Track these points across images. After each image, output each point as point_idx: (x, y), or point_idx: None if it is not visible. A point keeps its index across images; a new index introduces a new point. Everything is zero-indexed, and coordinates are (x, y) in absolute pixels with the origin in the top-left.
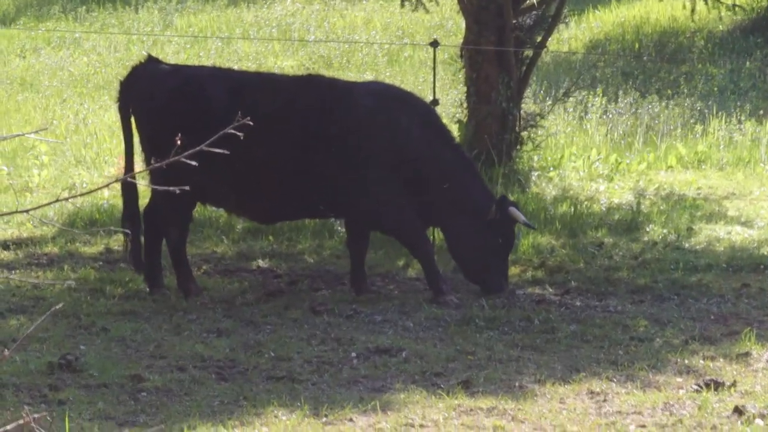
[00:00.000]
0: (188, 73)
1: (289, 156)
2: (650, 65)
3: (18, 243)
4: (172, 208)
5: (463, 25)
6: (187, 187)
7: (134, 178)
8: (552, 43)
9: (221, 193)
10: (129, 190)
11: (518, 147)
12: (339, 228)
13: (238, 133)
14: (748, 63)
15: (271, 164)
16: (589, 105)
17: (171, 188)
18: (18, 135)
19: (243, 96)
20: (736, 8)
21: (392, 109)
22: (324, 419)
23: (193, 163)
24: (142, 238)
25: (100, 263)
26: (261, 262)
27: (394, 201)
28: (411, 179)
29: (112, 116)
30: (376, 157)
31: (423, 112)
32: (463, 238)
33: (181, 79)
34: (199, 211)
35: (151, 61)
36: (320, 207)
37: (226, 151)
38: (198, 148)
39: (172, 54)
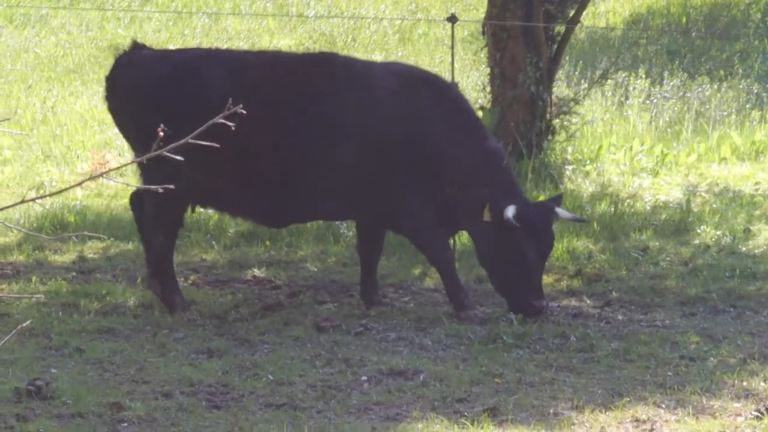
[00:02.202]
0: (179, 57)
1: (299, 146)
2: (700, 42)
3: None
4: (160, 209)
5: None
6: (171, 186)
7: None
8: (587, 18)
9: (222, 193)
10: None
11: (549, 137)
12: (345, 231)
13: (230, 123)
14: None
15: (279, 156)
16: (631, 88)
17: (153, 187)
18: None
19: (244, 79)
20: None
21: (416, 93)
22: None
23: (179, 158)
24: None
25: (73, 274)
26: (257, 272)
27: (413, 199)
28: (433, 175)
29: (84, 104)
30: (394, 148)
31: (451, 98)
32: (489, 244)
33: (172, 64)
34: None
35: (137, 48)
36: (334, 205)
37: (216, 144)
38: (183, 141)
39: (152, 33)
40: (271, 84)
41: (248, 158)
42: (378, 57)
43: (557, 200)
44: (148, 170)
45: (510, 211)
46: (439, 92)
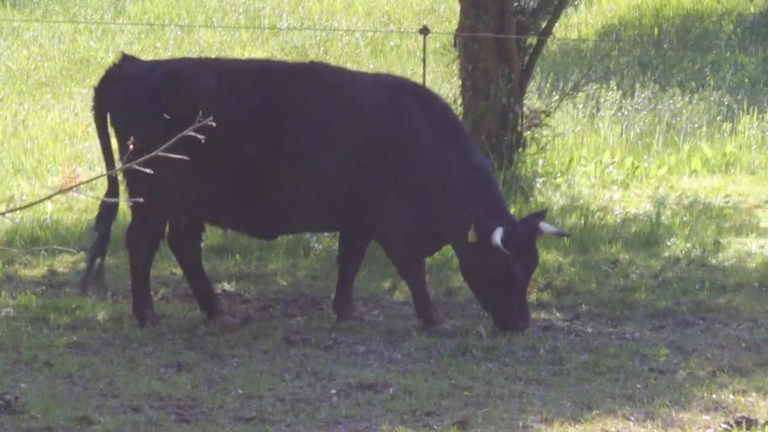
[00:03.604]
0: (170, 67)
1: (288, 155)
2: (671, 54)
3: None
4: (144, 220)
5: (458, 9)
6: (141, 199)
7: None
8: (559, 30)
9: (211, 204)
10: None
11: (520, 149)
12: (315, 245)
13: (200, 136)
14: None
15: (268, 166)
16: (602, 100)
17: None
18: None
19: (235, 88)
20: None
21: (403, 104)
22: None
23: (148, 171)
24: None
25: (43, 288)
26: (226, 285)
27: (393, 210)
28: (416, 188)
29: (56, 117)
30: (378, 159)
31: (438, 111)
32: (474, 262)
33: (163, 74)
34: None
35: (127, 60)
36: (322, 216)
37: (185, 157)
38: (153, 154)
39: (125, 45)
40: (262, 92)
41: (238, 168)
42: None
43: (541, 216)
44: (133, 182)
45: (497, 235)
46: (426, 104)
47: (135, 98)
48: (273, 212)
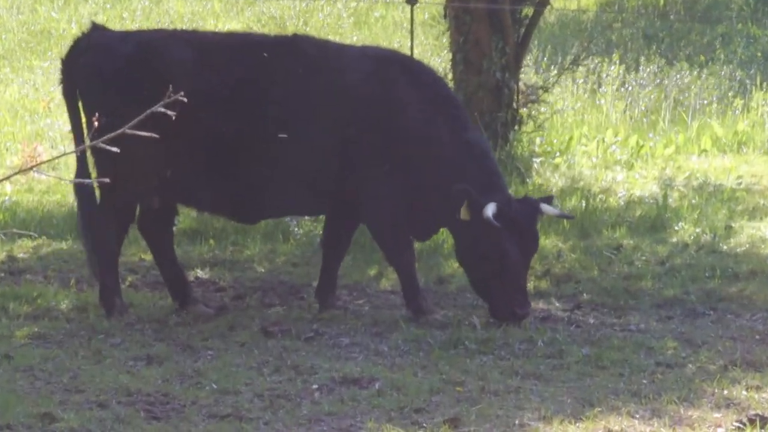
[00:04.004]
0: (143, 38)
1: (270, 132)
2: (678, 25)
3: None
4: (113, 202)
5: None
6: (107, 180)
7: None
8: None
9: (187, 185)
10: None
11: (516, 127)
12: (295, 230)
13: (170, 112)
14: None
15: (249, 143)
16: (604, 75)
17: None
18: None
19: (212, 62)
20: None
21: (390, 76)
22: None
23: (114, 149)
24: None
25: (2, 275)
26: (200, 272)
27: (380, 189)
28: (406, 165)
29: (15, 93)
30: (366, 134)
31: (430, 83)
32: (468, 244)
33: (135, 46)
34: None
35: (96, 29)
36: (306, 197)
37: (155, 135)
38: (120, 131)
39: (89, 16)
40: (241, 67)
41: (215, 146)
42: None
43: (546, 200)
44: (102, 160)
45: (490, 209)
46: (416, 76)
47: (104, 70)
48: (254, 194)
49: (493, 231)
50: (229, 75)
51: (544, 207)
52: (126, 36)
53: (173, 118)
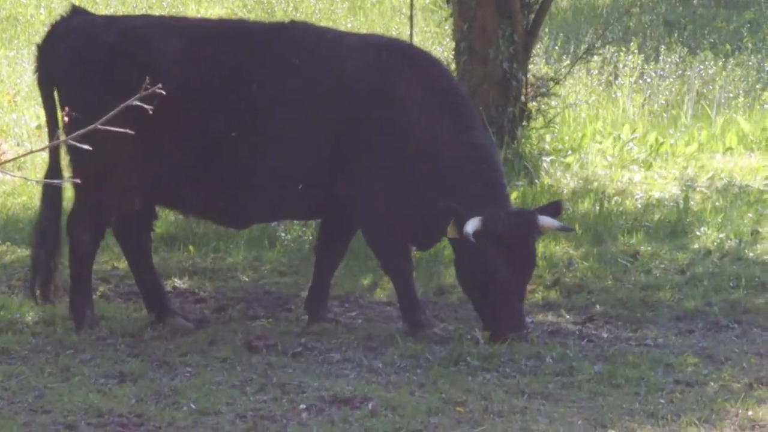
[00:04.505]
0: (127, 24)
1: (263, 127)
2: (702, 11)
3: None
4: (90, 204)
5: None
6: (78, 180)
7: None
8: None
9: (171, 186)
10: (52, 191)
11: (525, 123)
12: (283, 235)
13: (147, 106)
14: None
15: (240, 139)
16: (621, 66)
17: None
18: None
19: (202, 51)
20: None
21: (391, 67)
22: None
23: (86, 147)
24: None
25: None
26: (178, 282)
27: (377, 191)
28: (405, 166)
29: None
30: (363, 129)
31: (435, 76)
32: (461, 260)
33: (119, 32)
34: None
35: (77, 13)
36: (300, 199)
37: (130, 131)
38: (92, 126)
39: (60, 2)
40: (233, 57)
41: (203, 142)
42: None
43: (551, 209)
44: (79, 158)
45: (470, 226)
46: (421, 68)
47: (85, 58)
48: (245, 194)
49: (480, 248)
50: (219, 66)
51: (543, 220)
52: (109, 21)
53: (152, 111)
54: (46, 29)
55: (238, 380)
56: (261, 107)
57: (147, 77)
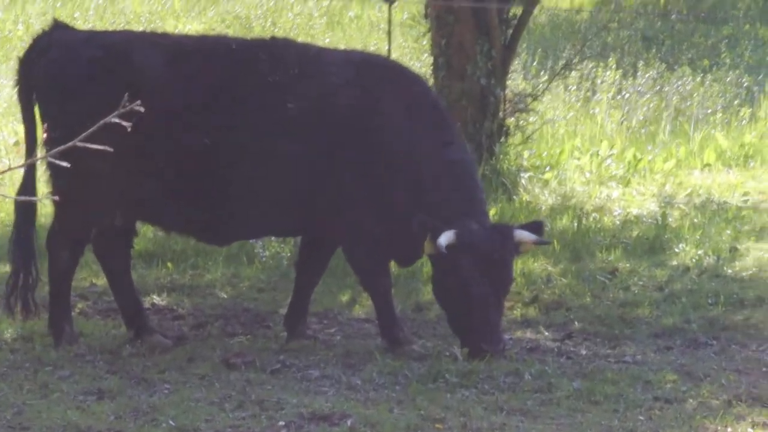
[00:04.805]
0: (109, 40)
1: (244, 144)
2: (681, 27)
3: None
4: (71, 220)
5: None
6: (56, 197)
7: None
8: None
9: (153, 202)
10: (26, 206)
11: (503, 139)
12: (261, 252)
13: (125, 123)
14: None
15: (221, 157)
16: (599, 81)
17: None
18: None
19: (184, 67)
20: None
21: (374, 85)
22: None
23: (64, 164)
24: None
25: None
26: (156, 298)
27: (357, 207)
28: (386, 182)
29: None
30: (344, 145)
31: (417, 93)
32: (434, 275)
33: (101, 47)
34: None
35: (59, 28)
36: (282, 216)
37: (110, 149)
38: (71, 144)
39: (36, 16)
40: (215, 73)
41: (185, 159)
42: None
43: (532, 228)
44: (59, 174)
45: (443, 239)
46: (403, 85)
47: (66, 73)
48: (226, 211)
49: (454, 262)
50: (201, 82)
51: (519, 234)
52: (91, 36)
53: (134, 127)
54: (24, 45)
55: (216, 397)
56: (242, 124)
57: (126, 94)
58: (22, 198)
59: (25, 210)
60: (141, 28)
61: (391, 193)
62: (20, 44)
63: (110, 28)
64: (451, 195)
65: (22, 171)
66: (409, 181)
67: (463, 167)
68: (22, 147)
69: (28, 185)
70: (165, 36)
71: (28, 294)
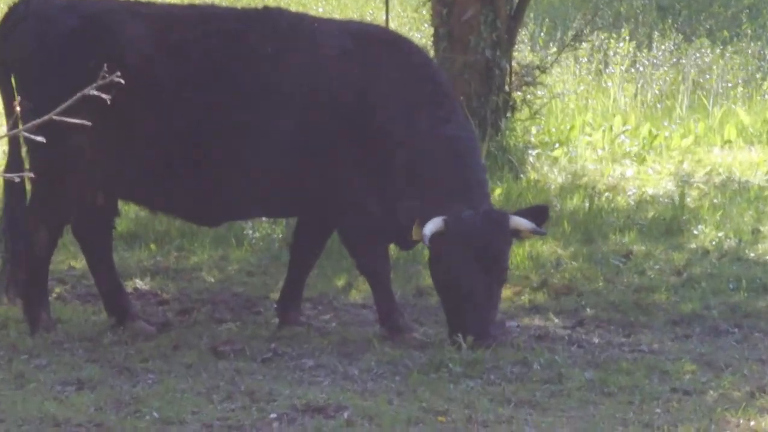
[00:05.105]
0: (90, 9)
1: (234, 119)
2: None
3: None
4: (49, 199)
5: None
6: (31, 174)
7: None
8: None
9: (138, 180)
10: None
11: (509, 114)
12: (250, 233)
13: (105, 96)
14: None
15: (210, 132)
16: (611, 53)
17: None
18: None
19: (171, 38)
20: None
21: (371, 55)
22: None
23: (40, 138)
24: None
25: None
26: (139, 282)
27: (353, 185)
28: (383, 158)
29: None
30: (339, 119)
31: (416, 64)
32: (432, 259)
33: (81, 18)
34: None
35: None
36: (274, 194)
37: (88, 122)
38: (46, 117)
39: None
40: (204, 44)
41: (171, 135)
42: None
43: (536, 212)
44: (37, 149)
45: (429, 227)
46: (401, 56)
47: (45, 44)
48: (216, 190)
49: (443, 250)
50: (189, 53)
51: (515, 221)
52: (71, 5)
53: (117, 101)
54: (2, 12)
55: (203, 387)
56: (232, 97)
57: (105, 65)
58: (5, 175)
59: (12, 189)
60: None
61: (387, 172)
62: None
63: None
64: (446, 175)
65: (5, 146)
66: (405, 160)
67: (462, 145)
68: (1, 120)
69: (15, 161)
70: (150, 5)
71: (15, 276)
